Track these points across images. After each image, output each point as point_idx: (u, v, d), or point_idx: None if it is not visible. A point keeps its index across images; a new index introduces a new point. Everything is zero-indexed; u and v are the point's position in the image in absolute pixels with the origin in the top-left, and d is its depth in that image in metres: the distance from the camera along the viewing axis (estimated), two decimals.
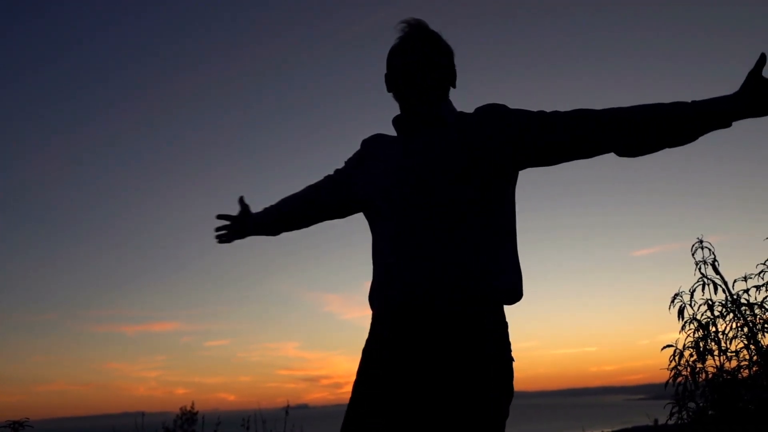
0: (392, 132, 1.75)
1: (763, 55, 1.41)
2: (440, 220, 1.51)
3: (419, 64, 1.65)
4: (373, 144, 1.78)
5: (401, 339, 1.50)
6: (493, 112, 1.61)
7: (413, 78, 1.65)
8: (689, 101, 1.47)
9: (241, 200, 1.96)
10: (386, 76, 1.73)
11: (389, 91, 1.74)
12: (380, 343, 1.54)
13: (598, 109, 1.53)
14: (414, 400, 1.45)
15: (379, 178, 1.65)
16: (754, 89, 1.41)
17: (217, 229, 1.97)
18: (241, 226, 1.94)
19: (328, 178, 1.86)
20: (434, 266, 1.48)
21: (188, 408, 8.66)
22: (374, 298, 1.60)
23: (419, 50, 1.66)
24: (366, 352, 1.58)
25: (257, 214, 1.95)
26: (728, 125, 1.44)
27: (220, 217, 1.95)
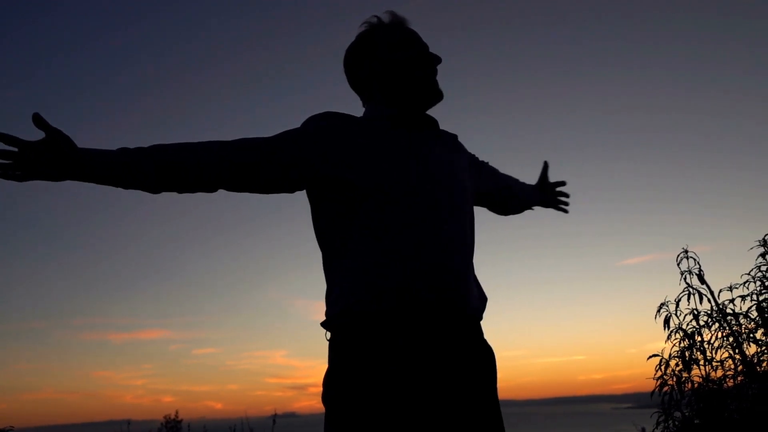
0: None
1: (546, 162, 2.09)
2: (459, 224, 1.50)
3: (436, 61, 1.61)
4: (341, 124, 1.51)
5: (425, 340, 1.39)
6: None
7: (433, 74, 1.59)
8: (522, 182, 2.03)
9: (38, 119, 1.26)
10: (410, 59, 1.57)
11: (390, 78, 1.57)
12: (394, 342, 1.37)
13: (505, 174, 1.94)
14: (446, 405, 1.38)
15: (388, 167, 1.45)
16: (543, 190, 2.09)
17: None
18: (45, 157, 1.28)
19: (264, 142, 1.47)
20: (460, 268, 1.46)
21: (172, 416, 8.60)
22: (383, 294, 1.38)
23: (425, 45, 1.63)
24: (367, 355, 1.37)
25: (108, 152, 1.34)
26: (532, 209, 2.09)
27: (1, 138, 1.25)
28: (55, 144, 1.28)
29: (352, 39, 1.66)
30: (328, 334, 1.46)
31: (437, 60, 1.58)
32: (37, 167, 1.28)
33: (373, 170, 1.44)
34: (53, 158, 1.28)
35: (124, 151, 1.36)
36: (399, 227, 1.41)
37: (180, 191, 1.44)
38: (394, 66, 1.57)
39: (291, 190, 1.52)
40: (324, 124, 1.50)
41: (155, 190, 1.41)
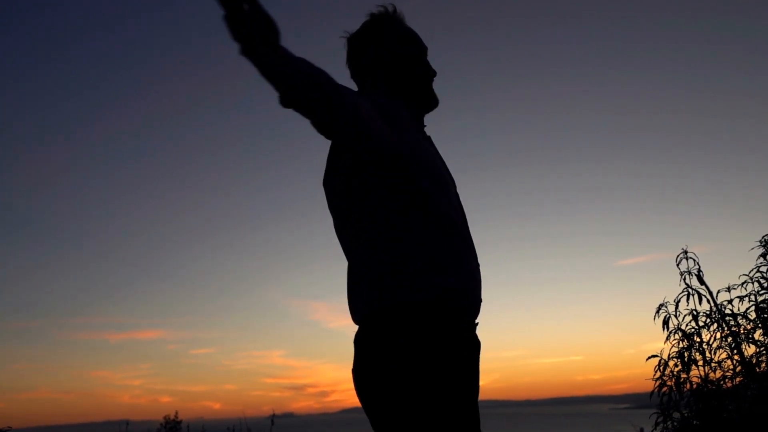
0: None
1: None
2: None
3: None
4: (393, 103, 1.47)
5: (460, 340, 1.37)
6: None
7: (432, 79, 1.61)
8: None
9: None
10: (415, 56, 1.59)
11: (396, 71, 1.56)
12: (443, 345, 1.32)
13: None
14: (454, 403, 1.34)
15: (431, 154, 1.48)
16: None
17: None
18: None
19: (354, 94, 1.31)
20: (478, 269, 1.48)
21: (171, 417, 8.62)
22: (412, 288, 1.34)
23: None
24: (431, 358, 1.31)
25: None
26: None
27: None
28: None
29: (357, 27, 1.63)
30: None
31: (433, 73, 1.61)
32: None
33: (425, 153, 1.44)
34: None
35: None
36: (447, 224, 1.39)
37: (311, 99, 1.23)
38: (400, 60, 1.56)
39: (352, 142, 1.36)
40: (385, 99, 1.45)
41: (291, 85, 1.22)
